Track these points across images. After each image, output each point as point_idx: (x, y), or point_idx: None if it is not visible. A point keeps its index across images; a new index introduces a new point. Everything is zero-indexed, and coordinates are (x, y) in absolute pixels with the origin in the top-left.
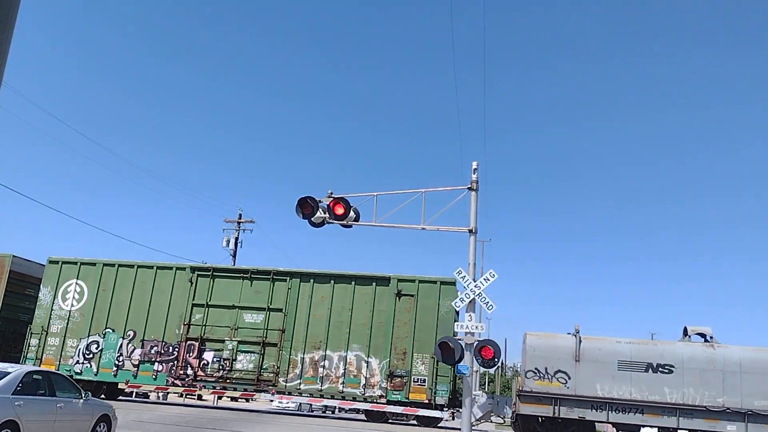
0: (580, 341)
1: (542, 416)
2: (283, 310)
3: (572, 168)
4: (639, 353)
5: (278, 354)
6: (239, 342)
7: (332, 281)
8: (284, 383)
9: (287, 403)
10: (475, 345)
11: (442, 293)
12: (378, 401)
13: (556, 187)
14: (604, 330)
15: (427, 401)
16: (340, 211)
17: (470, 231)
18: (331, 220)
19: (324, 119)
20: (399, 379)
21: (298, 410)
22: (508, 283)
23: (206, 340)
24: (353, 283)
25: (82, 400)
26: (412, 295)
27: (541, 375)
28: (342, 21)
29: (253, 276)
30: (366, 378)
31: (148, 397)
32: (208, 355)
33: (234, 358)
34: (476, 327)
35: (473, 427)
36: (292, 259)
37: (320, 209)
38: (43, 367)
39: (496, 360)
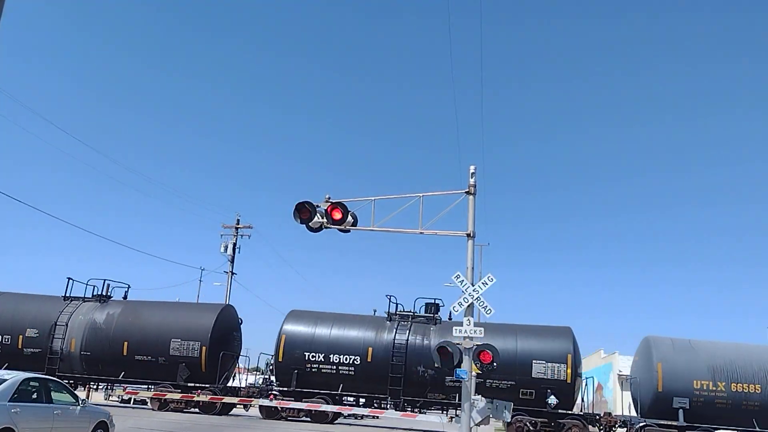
0: None
1: None
2: None
3: (573, 173)
4: None
5: None
6: None
7: None
8: None
9: None
10: (473, 349)
11: None
12: None
13: (557, 192)
14: (598, 336)
15: None
16: (337, 215)
17: (468, 235)
18: (328, 225)
19: (321, 126)
20: None
21: None
22: (507, 284)
23: None
24: None
25: (79, 407)
26: None
27: None
28: (339, 28)
29: None
30: None
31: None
32: None
33: None
34: (475, 331)
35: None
36: (290, 264)
37: (318, 214)
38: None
39: (494, 364)
